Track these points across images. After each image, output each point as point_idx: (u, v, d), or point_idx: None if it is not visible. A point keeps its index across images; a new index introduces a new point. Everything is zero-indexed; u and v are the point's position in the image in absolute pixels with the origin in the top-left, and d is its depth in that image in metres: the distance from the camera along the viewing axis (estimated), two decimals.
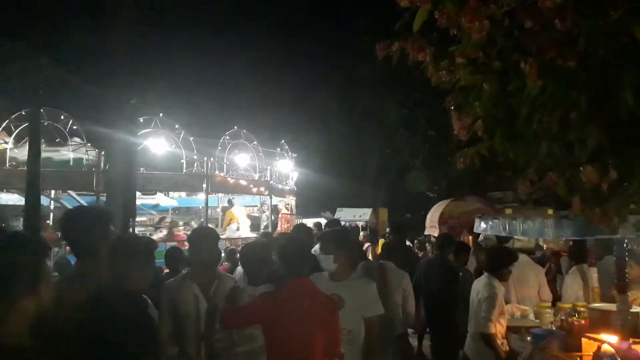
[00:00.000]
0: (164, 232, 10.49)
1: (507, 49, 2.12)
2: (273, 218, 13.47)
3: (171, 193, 14.19)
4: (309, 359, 2.69)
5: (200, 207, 12.72)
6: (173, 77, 16.65)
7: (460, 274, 5.70)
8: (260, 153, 12.46)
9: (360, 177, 22.61)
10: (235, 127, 11.89)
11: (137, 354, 2.13)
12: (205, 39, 18.75)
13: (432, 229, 12.36)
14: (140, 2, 8.26)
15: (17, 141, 9.96)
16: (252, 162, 12.31)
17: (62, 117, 10.04)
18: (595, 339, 3.59)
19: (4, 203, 11.61)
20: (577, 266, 5.41)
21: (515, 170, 2.45)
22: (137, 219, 10.60)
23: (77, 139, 10.05)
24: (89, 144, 9.96)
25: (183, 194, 14.34)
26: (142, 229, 12.33)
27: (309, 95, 22.50)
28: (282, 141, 14.21)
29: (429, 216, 13.06)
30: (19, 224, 9.15)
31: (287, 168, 14.35)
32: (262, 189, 12.25)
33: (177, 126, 11.23)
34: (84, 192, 10.77)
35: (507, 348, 4.20)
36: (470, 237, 7.63)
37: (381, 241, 8.75)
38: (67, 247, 5.91)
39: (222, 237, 9.50)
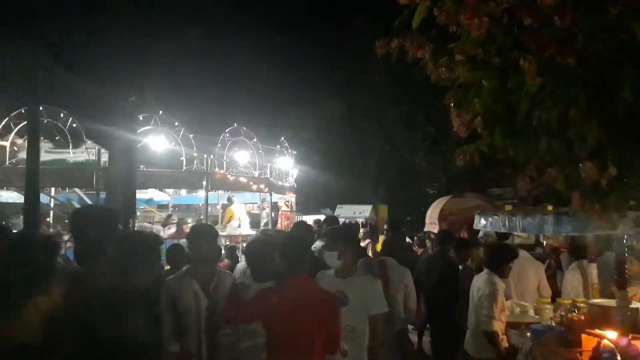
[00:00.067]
0: (173, 229, 10.44)
1: (506, 46, 2.12)
2: (273, 215, 13.45)
3: None
4: (308, 354, 2.70)
5: (200, 205, 12.70)
6: (173, 75, 16.68)
7: (461, 267, 5.71)
8: (260, 150, 12.45)
9: (360, 174, 22.65)
10: (235, 124, 11.87)
11: (141, 352, 2.15)
12: (205, 37, 18.77)
13: (432, 225, 12.36)
14: (140, 1, 8.26)
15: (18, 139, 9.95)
16: (252, 159, 12.30)
17: (61, 115, 10.02)
18: (594, 335, 3.60)
19: (4, 201, 11.58)
20: (577, 262, 5.41)
21: (515, 166, 2.46)
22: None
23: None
24: (88, 142, 9.95)
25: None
26: (148, 225, 12.21)
27: (308, 93, 22.47)
28: (282, 138, 14.19)
29: (428, 213, 13.07)
30: (19, 222, 9.14)
31: (287, 165, 14.33)
32: (262, 186, 12.24)
33: (176, 123, 11.17)
34: (84, 190, 10.77)
35: (507, 344, 4.22)
36: (465, 234, 7.64)
37: (381, 238, 8.75)
38: (67, 244, 5.91)
39: (222, 234, 9.51)
